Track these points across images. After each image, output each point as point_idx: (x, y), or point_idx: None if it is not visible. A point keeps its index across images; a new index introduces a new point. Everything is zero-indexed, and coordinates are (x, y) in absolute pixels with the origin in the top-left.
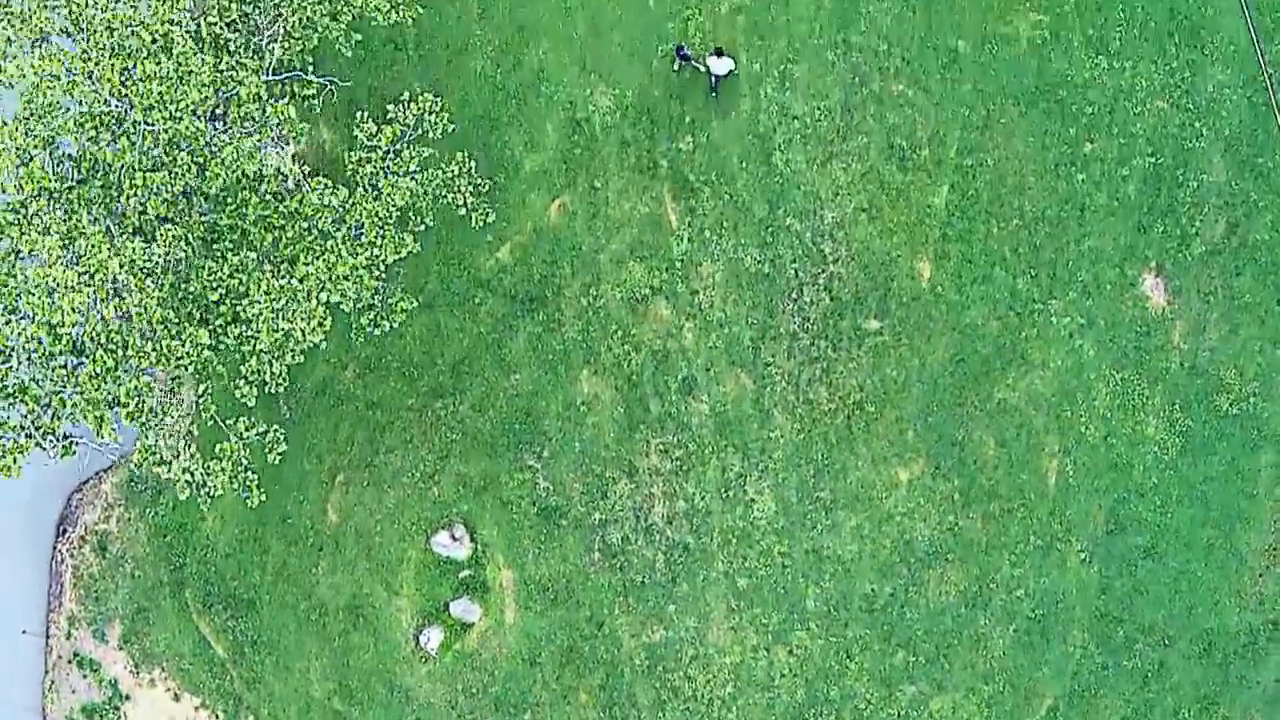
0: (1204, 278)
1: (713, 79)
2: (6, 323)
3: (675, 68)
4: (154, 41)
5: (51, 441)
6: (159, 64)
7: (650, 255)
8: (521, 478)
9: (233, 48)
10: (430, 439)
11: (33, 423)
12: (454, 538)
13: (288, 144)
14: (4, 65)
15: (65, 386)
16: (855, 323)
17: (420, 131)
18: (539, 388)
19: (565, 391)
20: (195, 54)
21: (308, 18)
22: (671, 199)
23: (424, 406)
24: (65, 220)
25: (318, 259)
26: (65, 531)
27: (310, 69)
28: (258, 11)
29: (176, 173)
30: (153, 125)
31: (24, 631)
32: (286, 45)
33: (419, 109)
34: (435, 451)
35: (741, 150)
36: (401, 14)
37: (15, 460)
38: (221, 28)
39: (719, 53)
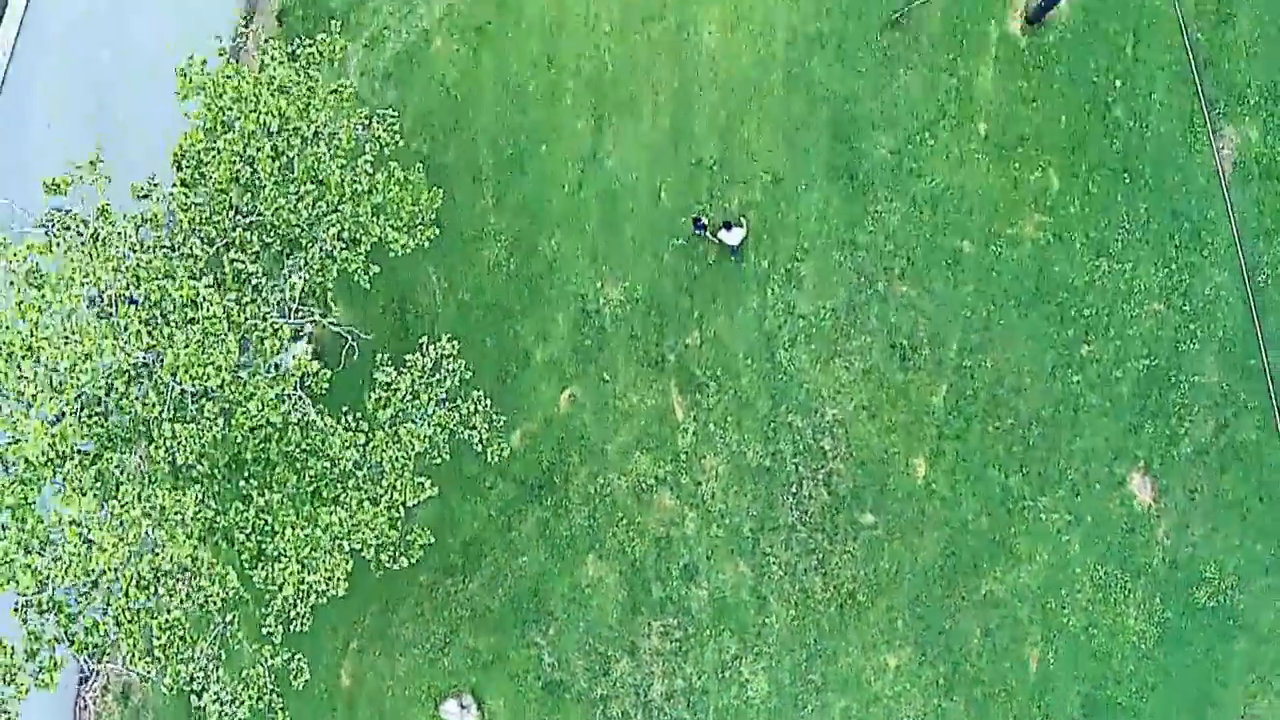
0: (1190, 476)
1: (730, 250)
2: (40, 554)
3: (696, 234)
4: (182, 301)
5: (85, 657)
6: (185, 321)
7: (656, 447)
8: (528, 653)
9: (255, 281)
10: (441, 613)
11: (67, 634)
12: (462, 706)
13: (307, 345)
14: (37, 339)
15: (94, 600)
16: (851, 516)
17: (438, 377)
18: (546, 569)
19: (571, 574)
20: (222, 320)
21: (327, 251)
22: (678, 393)
23: (435, 583)
24: (94, 461)
25: (339, 506)
26: (88, 679)
27: (331, 298)
28: (279, 242)
29: (204, 423)
30: (180, 384)
31: None
32: (306, 276)
33: (437, 353)
34: (446, 625)
35: (747, 347)
36: (419, 237)
37: (52, 676)
38: (244, 262)
39: (728, 225)
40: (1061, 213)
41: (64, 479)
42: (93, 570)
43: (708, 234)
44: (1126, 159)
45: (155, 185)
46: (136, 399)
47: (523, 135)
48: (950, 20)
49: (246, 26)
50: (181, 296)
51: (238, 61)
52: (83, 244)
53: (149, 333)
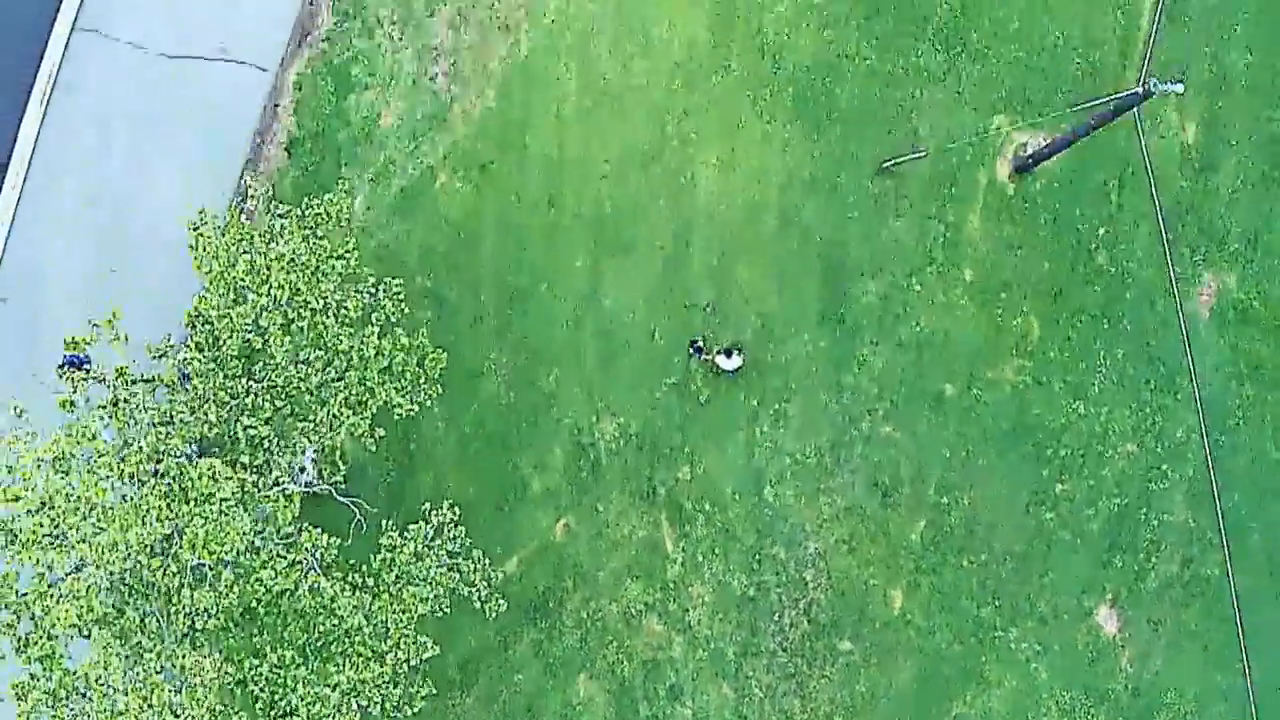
0: (1156, 609)
1: (728, 374)
2: (66, 704)
3: (693, 355)
4: (201, 478)
5: None
6: (204, 498)
7: (646, 575)
8: None
9: (267, 444)
10: None
11: None
12: None
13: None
14: (65, 523)
15: None
16: (830, 643)
17: (440, 541)
18: (540, 687)
19: (564, 692)
20: (238, 500)
21: (335, 415)
22: (668, 524)
23: (434, 698)
24: (118, 616)
25: (347, 662)
26: None
27: (340, 456)
28: (289, 406)
29: (221, 589)
30: (198, 558)
31: None
32: (314, 438)
33: (440, 519)
34: None
35: (735, 482)
36: (422, 396)
37: None
38: (257, 427)
39: (728, 353)
40: (1041, 358)
41: (91, 642)
42: None
43: (703, 357)
44: (1107, 305)
45: (170, 345)
46: (158, 569)
47: (523, 272)
48: (939, 167)
49: (255, 173)
50: (201, 485)
51: (244, 203)
52: (101, 406)
53: (169, 505)
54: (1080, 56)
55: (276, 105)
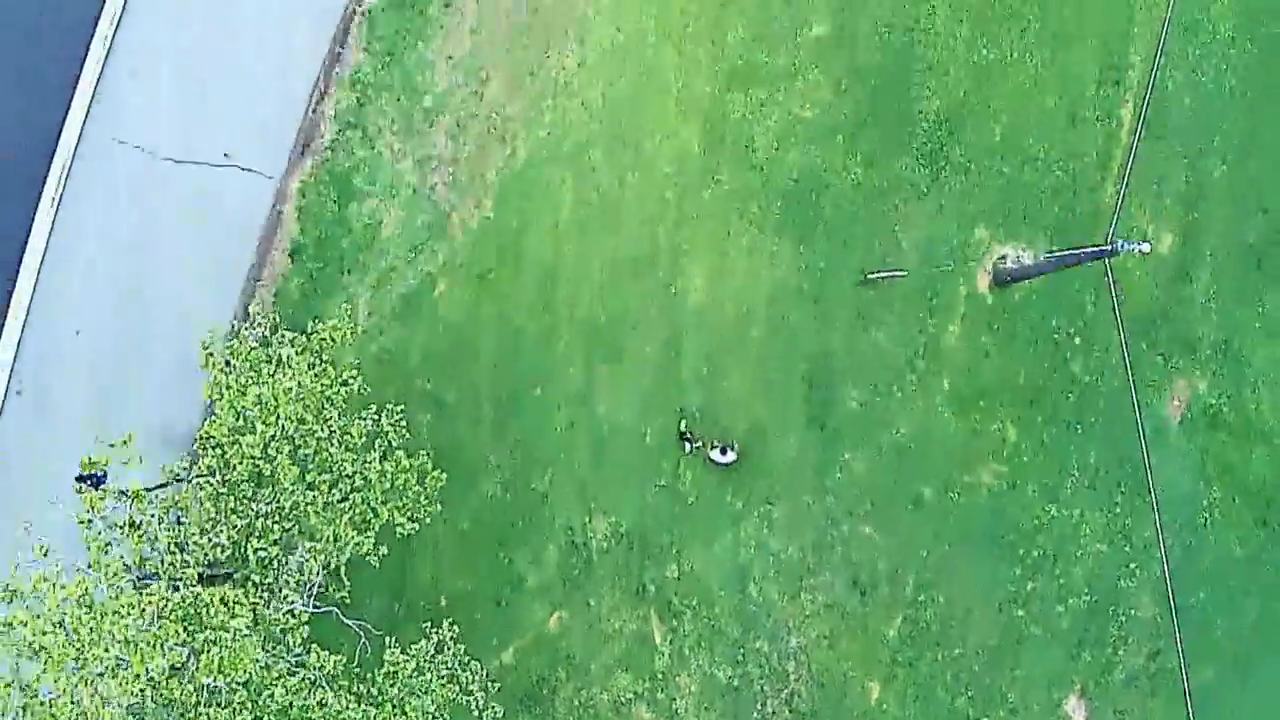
0: (1122, 699)
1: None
2: None
3: (686, 450)
4: (214, 609)
5: None
6: (220, 626)
7: (635, 666)
8: None
9: (275, 565)
10: None
11: None
12: None
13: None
14: (93, 657)
15: None
16: None
17: (440, 657)
18: None
19: None
20: (251, 630)
21: (339, 535)
22: (657, 619)
23: None
24: None
25: None
26: None
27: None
28: (296, 527)
29: (235, 707)
30: (213, 681)
31: None
32: (320, 558)
33: (439, 637)
34: None
35: (721, 580)
36: (422, 513)
37: None
38: (266, 549)
39: (723, 449)
40: (1017, 462)
41: None
42: None
43: (694, 446)
44: (1080, 411)
45: (185, 467)
46: (176, 688)
47: (520, 377)
48: (921, 279)
49: (260, 280)
50: (216, 619)
51: (249, 325)
52: (119, 526)
53: (186, 629)
54: (1061, 168)
55: (280, 211)
